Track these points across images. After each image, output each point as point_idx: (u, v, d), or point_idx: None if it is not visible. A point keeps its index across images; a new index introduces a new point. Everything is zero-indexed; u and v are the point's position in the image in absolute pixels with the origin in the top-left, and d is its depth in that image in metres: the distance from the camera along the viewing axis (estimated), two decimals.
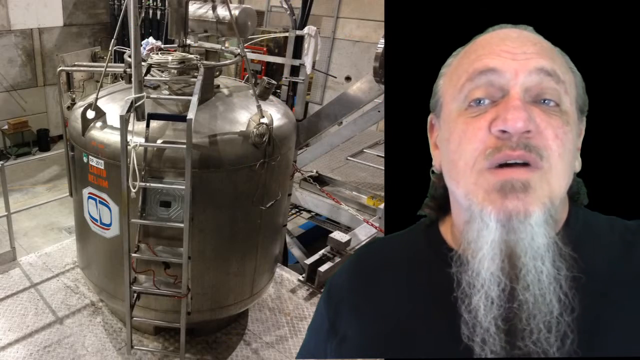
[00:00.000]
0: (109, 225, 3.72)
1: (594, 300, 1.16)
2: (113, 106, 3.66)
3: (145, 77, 3.55)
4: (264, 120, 3.51)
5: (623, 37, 1.42)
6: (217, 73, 4.06)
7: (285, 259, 6.12)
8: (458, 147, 1.21)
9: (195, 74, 3.70)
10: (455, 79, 1.26)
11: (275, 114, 3.80)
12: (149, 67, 3.75)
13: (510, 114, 1.13)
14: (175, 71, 3.78)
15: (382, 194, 6.57)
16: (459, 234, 1.28)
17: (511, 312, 1.15)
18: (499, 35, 1.26)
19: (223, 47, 4.42)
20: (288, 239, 6.85)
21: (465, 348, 1.18)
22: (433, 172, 1.37)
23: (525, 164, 1.14)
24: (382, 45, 4.26)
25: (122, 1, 11.08)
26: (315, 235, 7.85)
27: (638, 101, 1.44)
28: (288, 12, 5.64)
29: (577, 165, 1.28)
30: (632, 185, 1.44)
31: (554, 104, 1.17)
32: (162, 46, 4.01)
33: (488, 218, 1.15)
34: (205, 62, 3.84)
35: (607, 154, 1.44)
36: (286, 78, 5.81)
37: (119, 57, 6.11)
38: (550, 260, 1.15)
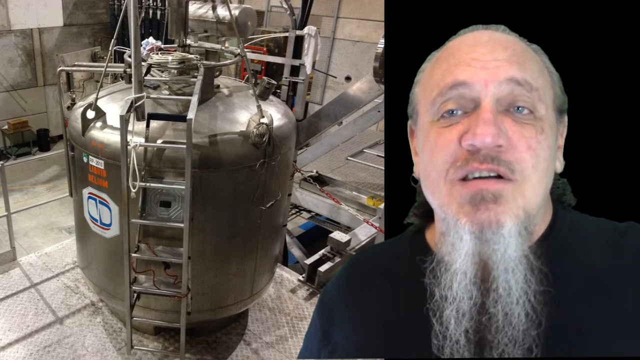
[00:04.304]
0: (109, 225, 3.72)
1: (578, 303, 1.16)
2: (113, 106, 3.66)
3: (145, 77, 3.55)
4: (264, 120, 3.51)
5: (605, 32, 1.41)
6: (217, 73, 4.06)
7: (285, 259, 6.12)
8: (431, 158, 1.22)
9: (195, 74, 3.70)
10: (428, 91, 1.25)
11: (275, 114, 3.80)
12: (149, 67, 3.75)
13: (480, 129, 1.12)
14: (175, 71, 3.78)
15: (382, 194, 6.57)
16: (437, 244, 1.28)
17: (481, 324, 1.16)
18: (469, 40, 1.24)
19: (223, 47, 4.42)
20: (288, 239, 6.85)
21: (436, 359, 1.20)
22: (414, 179, 1.37)
23: (496, 176, 1.13)
24: (382, 45, 4.26)
25: (122, 1, 11.08)
26: (315, 235, 7.86)
27: (624, 97, 1.44)
28: (288, 12, 5.64)
29: (559, 166, 1.27)
30: (623, 186, 1.44)
31: (527, 111, 1.15)
32: (162, 46, 4.01)
33: (462, 230, 1.16)
34: (205, 62, 3.84)
35: (597, 154, 1.44)
36: (286, 78, 5.81)
37: (119, 57, 6.11)
38: (521, 274, 1.15)
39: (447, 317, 1.18)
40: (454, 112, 1.18)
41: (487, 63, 1.17)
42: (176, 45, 4.01)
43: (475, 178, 1.14)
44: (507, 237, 1.13)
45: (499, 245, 1.13)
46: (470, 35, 1.26)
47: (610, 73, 1.42)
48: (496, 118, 1.13)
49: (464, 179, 1.16)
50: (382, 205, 6.20)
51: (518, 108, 1.15)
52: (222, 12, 4.04)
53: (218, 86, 3.97)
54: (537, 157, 1.14)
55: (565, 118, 1.28)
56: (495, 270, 1.15)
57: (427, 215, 1.35)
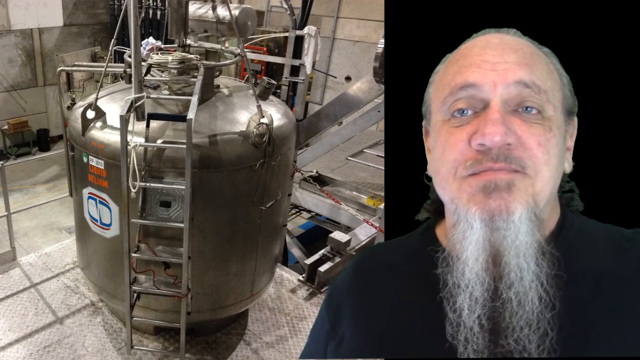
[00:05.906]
0: (109, 225, 3.72)
1: (584, 303, 1.17)
2: (113, 106, 3.66)
3: (145, 77, 3.55)
4: (264, 120, 3.51)
5: (617, 36, 1.42)
6: (217, 73, 4.06)
7: (285, 259, 6.12)
8: (441, 156, 1.25)
9: (195, 74, 3.70)
10: (440, 91, 1.29)
11: (275, 114, 3.80)
12: (149, 67, 3.75)
13: (489, 128, 1.15)
14: (175, 71, 3.78)
15: (382, 194, 6.57)
16: (448, 236, 1.30)
17: (495, 311, 1.18)
18: (480, 42, 1.27)
19: (223, 47, 4.42)
20: (288, 239, 6.85)
21: (449, 347, 1.20)
22: (427, 176, 1.39)
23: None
24: (382, 45, 4.26)
25: (122, 1, 11.07)
26: (315, 235, 7.86)
27: (633, 101, 1.44)
28: (288, 12, 5.64)
29: (568, 167, 1.29)
30: (632, 193, 1.44)
31: (535, 111, 1.18)
32: (162, 46, 4.01)
33: (473, 218, 1.18)
34: (205, 62, 3.84)
35: (606, 160, 1.44)
36: (286, 78, 5.81)
37: (119, 57, 6.11)
38: (532, 258, 1.17)
39: (460, 304, 1.20)
40: (465, 112, 1.21)
41: (497, 65, 1.20)
42: (176, 45, 4.01)
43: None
44: (518, 223, 1.15)
45: (509, 232, 1.15)
46: (482, 39, 1.29)
47: (622, 77, 1.42)
48: (504, 118, 1.16)
49: (474, 173, 1.18)
50: (382, 205, 6.20)
51: (527, 108, 1.18)
52: (222, 12, 4.04)
53: (218, 86, 3.97)
54: (548, 153, 1.17)
55: (575, 120, 1.30)
56: (507, 255, 1.17)
57: (439, 212, 1.38)
